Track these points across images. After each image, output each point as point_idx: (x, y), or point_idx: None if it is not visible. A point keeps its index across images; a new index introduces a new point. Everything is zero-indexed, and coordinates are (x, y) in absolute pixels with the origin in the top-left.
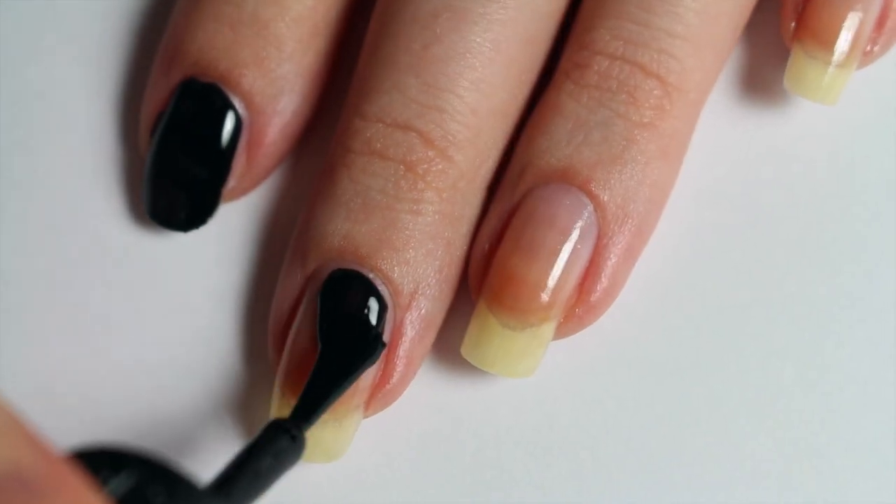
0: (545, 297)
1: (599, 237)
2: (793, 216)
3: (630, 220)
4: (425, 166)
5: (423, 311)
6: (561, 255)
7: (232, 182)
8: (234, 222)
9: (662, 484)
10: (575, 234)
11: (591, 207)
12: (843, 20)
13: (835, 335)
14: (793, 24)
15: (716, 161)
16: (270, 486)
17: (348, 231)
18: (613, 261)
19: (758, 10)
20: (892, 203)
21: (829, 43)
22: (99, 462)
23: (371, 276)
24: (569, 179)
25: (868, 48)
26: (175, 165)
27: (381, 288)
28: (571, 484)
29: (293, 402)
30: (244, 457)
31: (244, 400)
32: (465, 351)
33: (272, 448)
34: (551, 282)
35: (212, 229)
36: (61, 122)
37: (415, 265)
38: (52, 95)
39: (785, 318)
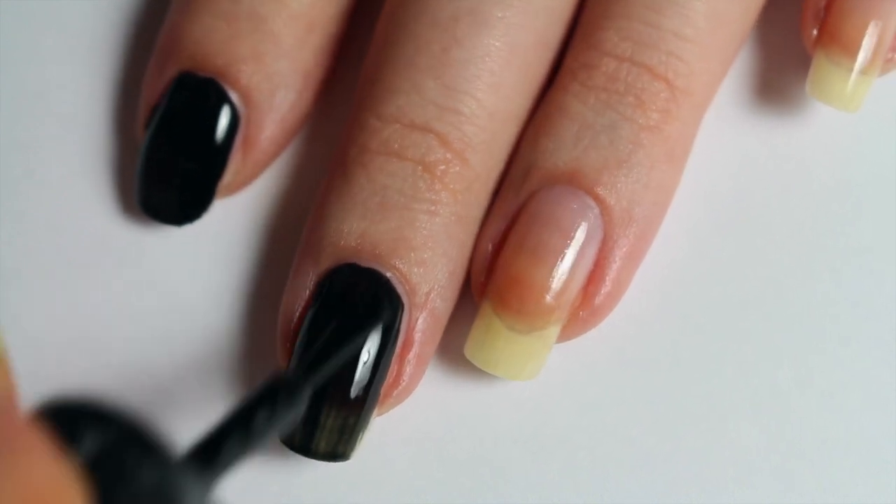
0: (551, 300)
1: (604, 240)
2: (791, 218)
3: (635, 224)
4: (443, 168)
5: (435, 310)
6: (567, 258)
7: (227, 177)
8: (235, 220)
9: (660, 484)
10: (581, 238)
11: (596, 211)
12: (866, 27)
13: (835, 336)
14: (815, 31)
15: (715, 163)
16: (264, 443)
17: (365, 230)
18: (618, 264)
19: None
20: (893, 205)
21: (853, 50)
22: (71, 417)
23: (389, 275)
24: (575, 182)
25: (890, 55)
26: (169, 159)
27: (398, 287)
28: (569, 483)
29: None
30: (238, 412)
31: None
32: (469, 352)
33: (268, 403)
34: (557, 285)
35: (212, 227)
36: (60, 121)
37: (431, 265)
38: (51, 95)
39: (783, 319)
